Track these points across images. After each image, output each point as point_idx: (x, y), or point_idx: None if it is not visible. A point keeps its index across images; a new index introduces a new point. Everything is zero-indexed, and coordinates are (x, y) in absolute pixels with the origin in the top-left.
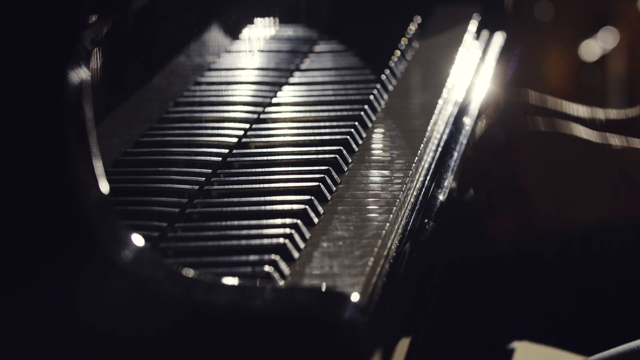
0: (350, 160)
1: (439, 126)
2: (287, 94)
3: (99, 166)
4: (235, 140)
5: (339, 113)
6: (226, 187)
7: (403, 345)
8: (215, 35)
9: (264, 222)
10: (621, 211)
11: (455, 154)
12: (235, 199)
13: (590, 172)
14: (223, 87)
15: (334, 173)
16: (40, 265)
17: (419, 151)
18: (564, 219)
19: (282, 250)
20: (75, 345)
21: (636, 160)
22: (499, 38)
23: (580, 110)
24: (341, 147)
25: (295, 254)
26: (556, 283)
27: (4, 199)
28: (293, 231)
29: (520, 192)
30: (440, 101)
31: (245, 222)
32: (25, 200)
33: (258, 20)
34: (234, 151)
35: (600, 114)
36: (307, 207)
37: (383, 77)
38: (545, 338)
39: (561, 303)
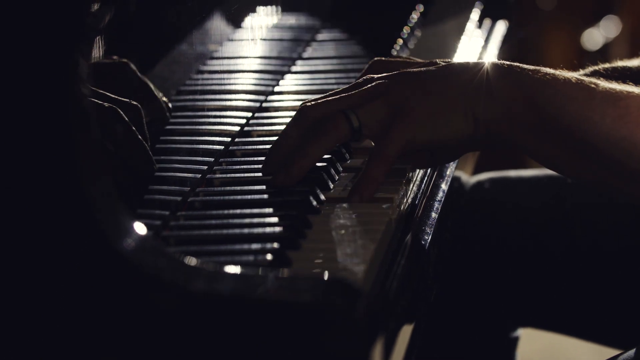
0: (352, 150)
1: None
2: (289, 82)
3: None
4: (237, 128)
5: None
6: (228, 175)
7: (405, 332)
8: (217, 24)
9: (266, 210)
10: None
11: None
12: (238, 188)
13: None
14: (225, 75)
15: (337, 163)
16: (42, 252)
17: None
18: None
19: (284, 238)
20: (78, 333)
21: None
22: (501, 26)
23: None
24: None
25: (298, 242)
26: (560, 269)
27: (7, 186)
28: (295, 219)
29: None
30: None
31: (248, 211)
32: (29, 187)
33: (260, 9)
34: (236, 140)
35: None
36: (309, 195)
37: None
38: (550, 324)
39: (565, 288)
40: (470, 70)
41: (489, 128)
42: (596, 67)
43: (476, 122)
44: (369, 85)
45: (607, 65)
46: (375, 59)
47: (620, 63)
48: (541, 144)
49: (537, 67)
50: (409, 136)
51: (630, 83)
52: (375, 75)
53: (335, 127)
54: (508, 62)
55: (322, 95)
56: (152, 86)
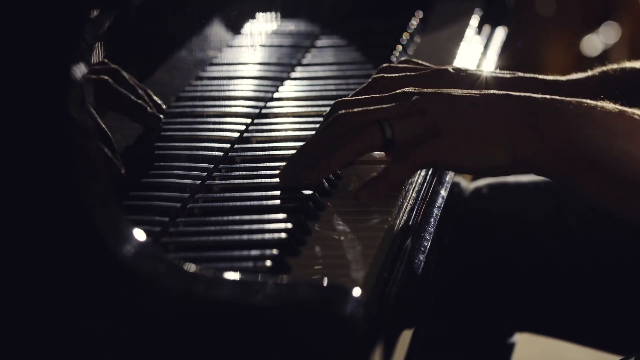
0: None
1: None
2: (288, 88)
3: (100, 160)
4: (236, 135)
5: None
6: (228, 181)
7: (405, 338)
8: (217, 30)
9: (266, 216)
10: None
11: None
12: (237, 194)
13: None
14: (225, 81)
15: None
16: (41, 258)
17: None
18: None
19: (283, 244)
20: (78, 339)
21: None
22: (500, 33)
23: None
24: None
25: (298, 249)
26: (557, 273)
27: (6, 193)
28: (295, 225)
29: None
30: None
31: (247, 217)
32: (28, 193)
33: (260, 15)
34: (236, 146)
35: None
36: (309, 201)
37: None
38: (547, 329)
39: (562, 294)
40: (512, 101)
41: (528, 162)
42: (604, 68)
43: (514, 155)
44: (408, 100)
45: (615, 66)
46: (385, 65)
47: (628, 64)
48: (586, 180)
49: (579, 100)
50: (441, 156)
51: None
52: (413, 89)
53: (368, 135)
54: (550, 96)
55: (355, 98)
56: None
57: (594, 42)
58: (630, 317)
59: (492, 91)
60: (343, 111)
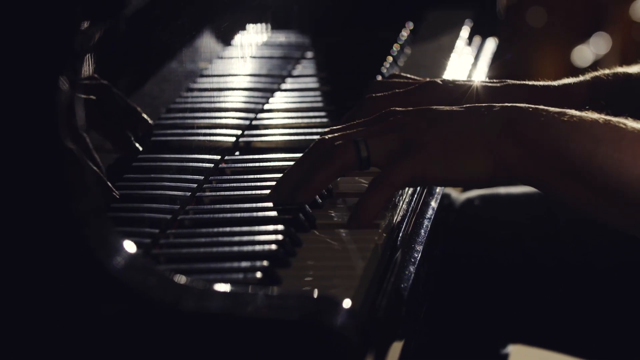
0: None
1: None
2: (279, 100)
3: (91, 172)
4: (227, 146)
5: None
6: (218, 193)
7: (395, 350)
8: (207, 42)
9: (256, 228)
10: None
11: None
12: (227, 205)
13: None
14: (215, 93)
15: None
16: (30, 270)
17: None
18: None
19: (274, 256)
20: (66, 352)
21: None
22: (491, 44)
23: None
24: None
25: (288, 260)
26: (551, 285)
27: None
28: (285, 237)
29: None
30: None
31: (237, 229)
32: (18, 205)
33: (250, 27)
34: (226, 157)
35: None
36: (299, 213)
37: None
38: (540, 341)
39: (555, 305)
40: (493, 111)
41: (511, 171)
42: (596, 73)
43: (497, 165)
44: (387, 118)
45: (607, 71)
46: (376, 80)
47: (620, 69)
48: (571, 187)
49: (562, 110)
50: (418, 170)
51: None
52: (398, 108)
53: (342, 154)
54: (533, 106)
55: (338, 127)
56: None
57: (585, 53)
58: (622, 326)
59: (475, 104)
60: (323, 136)
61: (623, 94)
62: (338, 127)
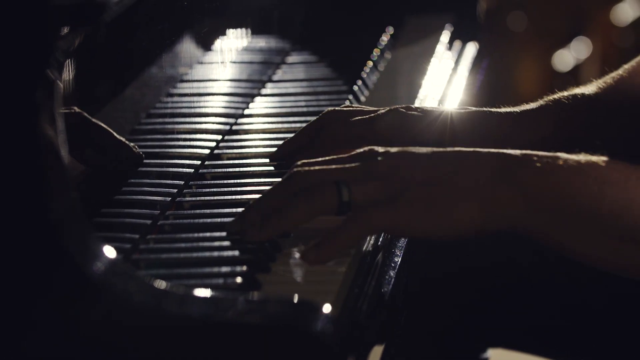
0: None
1: None
2: (259, 105)
3: (70, 177)
4: (207, 151)
5: None
6: (198, 198)
7: (376, 354)
8: (187, 47)
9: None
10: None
11: None
12: (207, 211)
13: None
14: (195, 98)
15: None
16: (9, 275)
17: None
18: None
19: (254, 261)
20: (49, 357)
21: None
22: (471, 48)
23: None
24: None
25: (268, 265)
26: (529, 289)
27: None
28: (265, 242)
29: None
30: None
31: (218, 234)
32: None
33: (230, 32)
34: (206, 163)
35: None
36: None
37: (355, 88)
38: (519, 345)
39: (534, 309)
40: (483, 158)
41: (507, 222)
42: (555, 96)
43: (488, 217)
44: (370, 161)
45: (565, 93)
46: (329, 109)
47: (578, 90)
48: (577, 233)
49: (554, 154)
50: (400, 225)
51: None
52: (378, 148)
53: (322, 196)
54: (520, 151)
55: (318, 160)
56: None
57: (566, 57)
58: (602, 329)
59: (458, 149)
60: (301, 168)
61: (585, 117)
62: (313, 161)
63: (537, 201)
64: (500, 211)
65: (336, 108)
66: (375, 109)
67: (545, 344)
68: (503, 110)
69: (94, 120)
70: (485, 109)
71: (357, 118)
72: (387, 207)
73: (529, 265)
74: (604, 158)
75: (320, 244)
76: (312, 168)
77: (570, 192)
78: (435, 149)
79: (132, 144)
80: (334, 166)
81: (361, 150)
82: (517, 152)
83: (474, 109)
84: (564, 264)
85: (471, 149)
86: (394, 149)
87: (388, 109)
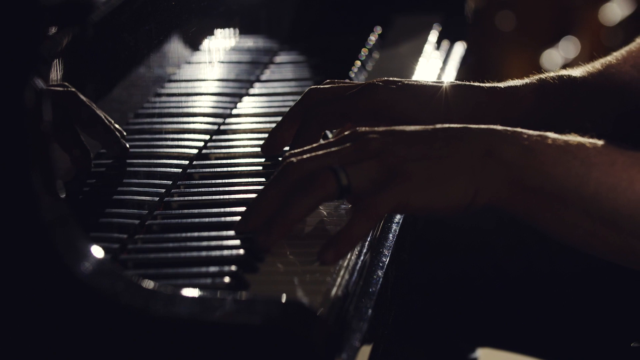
0: None
1: None
2: (247, 105)
3: (58, 177)
4: (195, 151)
5: None
6: (186, 198)
7: (364, 354)
8: (175, 47)
9: (224, 233)
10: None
11: None
12: (196, 211)
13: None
14: (183, 98)
15: None
16: None
17: None
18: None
19: (242, 261)
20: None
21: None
22: (459, 48)
23: None
24: None
25: (256, 265)
26: (517, 288)
27: None
28: (253, 242)
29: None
30: None
31: (205, 234)
32: None
33: (218, 31)
34: (194, 162)
35: None
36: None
37: None
38: (508, 344)
39: (522, 308)
40: (473, 134)
41: (492, 197)
42: (542, 76)
43: (477, 192)
44: (361, 141)
45: (552, 74)
46: (311, 88)
47: (565, 72)
48: (560, 214)
49: (543, 133)
50: (403, 200)
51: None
52: (365, 129)
53: (321, 185)
54: (511, 128)
55: (306, 148)
56: (104, 116)
57: (554, 57)
58: (588, 328)
59: (447, 125)
60: (292, 159)
61: (569, 98)
62: (305, 149)
63: (522, 179)
64: (488, 187)
65: (318, 87)
66: (357, 83)
67: (534, 343)
68: (487, 85)
69: (85, 100)
70: (469, 83)
71: (339, 97)
72: (389, 188)
73: (516, 266)
74: (592, 140)
75: (335, 241)
76: (303, 157)
77: (556, 172)
78: (423, 127)
79: (119, 134)
80: (324, 151)
81: (347, 132)
82: (507, 129)
83: (457, 82)
84: (551, 266)
85: (461, 125)
86: (381, 128)
87: (368, 83)
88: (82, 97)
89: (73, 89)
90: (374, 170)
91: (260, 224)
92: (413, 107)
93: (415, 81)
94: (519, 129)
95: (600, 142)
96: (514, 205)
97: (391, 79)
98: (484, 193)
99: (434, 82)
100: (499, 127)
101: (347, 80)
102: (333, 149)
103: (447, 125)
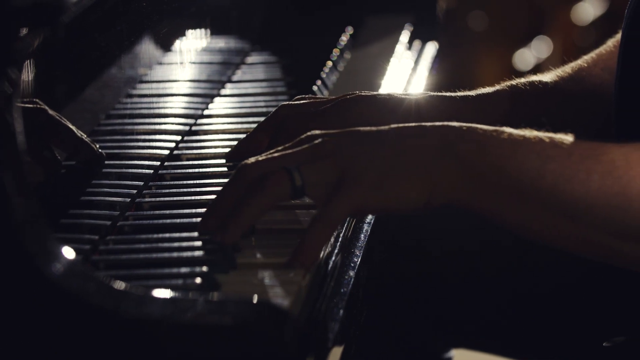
0: None
1: None
2: (218, 105)
3: (29, 178)
4: (167, 152)
5: None
6: (158, 199)
7: (335, 355)
8: (147, 47)
9: (196, 234)
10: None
11: None
12: (167, 212)
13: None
14: (155, 99)
15: None
16: None
17: None
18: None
19: (213, 262)
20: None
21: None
22: (431, 48)
23: None
24: None
25: (228, 266)
26: (491, 289)
27: None
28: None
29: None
30: None
31: (177, 235)
32: None
33: (190, 32)
34: (166, 163)
35: None
36: None
37: (315, 88)
38: (482, 345)
39: (497, 309)
40: (428, 132)
41: (448, 194)
42: (513, 82)
43: (434, 190)
44: (315, 143)
45: (523, 80)
46: (283, 103)
47: (535, 78)
48: (517, 209)
49: (498, 128)
50: (358, 202)
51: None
52: (319, 131)
53: (275, 184)
54: (466, 124)
55: (263, 154)
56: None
57: (526, 56)
58: (565, 328)
59: (402, 124)
60: (247, 161)
61: (541, 103)
62: (262, 154)
63: (477, 175)
64: (443, 185)
65: (290, 102)
66: (328, 98)
67: (508, 343)
68: (459, 94)
69: (56, 115)
70: (440, 93)
71: (311, 113)
72: (343, 192)
73: (491, 266)
74: (549, 134)
75: (299, 251)
76: (259, 159)
77: (512, 166)
78: (378, 127)
79: (93, 144)
80: (280, 153)
81: (303, 136)
82: (463, 125)
83: (429, 93)
84: (526, 265)
85: (415, 124)
86: (336, 130)
87: (340, 99)
88: (51, 112)
89: (44, 106)
90: (328, 171)
91: (217, 224)
92: (386, 121)
93: (387, 94)
94: (474, 125)
95: (557, 135)
96: (473, 202)
97: (363, 93)
98: (440, 190)
99: (406, 94)
100: (455, 124)
101: (318, 96)
102: (289, 151)
103: (402, 125)
